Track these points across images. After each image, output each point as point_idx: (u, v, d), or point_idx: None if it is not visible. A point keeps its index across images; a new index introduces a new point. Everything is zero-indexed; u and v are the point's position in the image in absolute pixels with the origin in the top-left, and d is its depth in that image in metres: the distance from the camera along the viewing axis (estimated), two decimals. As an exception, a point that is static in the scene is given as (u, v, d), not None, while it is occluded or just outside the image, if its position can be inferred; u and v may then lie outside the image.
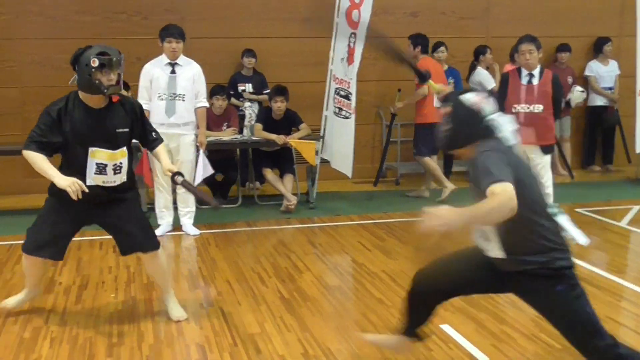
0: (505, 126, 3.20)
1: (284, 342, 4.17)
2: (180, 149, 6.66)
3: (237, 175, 8.13)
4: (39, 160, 4.14)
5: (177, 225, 6.88)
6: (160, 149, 4.56)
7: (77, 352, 4.05)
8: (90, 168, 4.21)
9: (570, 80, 9.47)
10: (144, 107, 6.55)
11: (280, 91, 7.81)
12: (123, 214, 4.37)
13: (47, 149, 4.17)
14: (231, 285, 5.23)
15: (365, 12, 7.36)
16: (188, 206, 6.85)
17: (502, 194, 2.84)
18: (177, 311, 4.56)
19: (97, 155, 4.20)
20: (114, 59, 4.14)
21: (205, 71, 8.23)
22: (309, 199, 8.04)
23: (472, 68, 9.23)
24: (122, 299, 4.96)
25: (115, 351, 4.06)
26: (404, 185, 9.16)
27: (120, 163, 4.28)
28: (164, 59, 6.64)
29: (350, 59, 7.61)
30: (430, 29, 9.38)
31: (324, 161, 8.14)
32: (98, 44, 4.32)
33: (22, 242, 4.41)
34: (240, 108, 8.54)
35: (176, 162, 6.65)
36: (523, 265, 3.12)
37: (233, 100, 8.53)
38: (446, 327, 4.34)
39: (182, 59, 6.67)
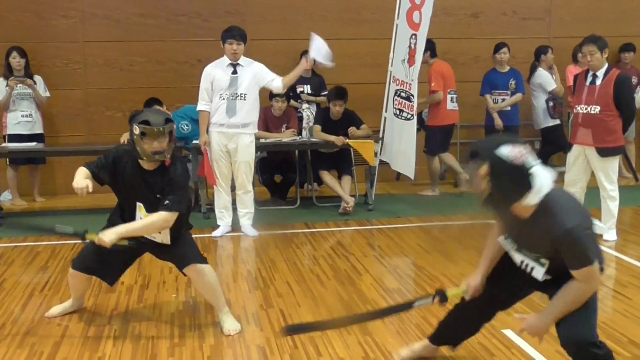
0: (546, 177, 3.05)
1: (345, 345, 4.13)
2: (239, 150, 6.67)
3: (295, 177, 8.14)
4: (79, 171, 4.19)
5: (236, 227, 6.91)
6: (154, 216, 4.18)
7: (140, 352, 4.09)
8: (137, 219, 4.25)
9: (635, 80, 9.21)
10: (204, 108, 6.67)
11: (340, 94, 7.77)
12: (173, 248, 4.37)
13: (97, 179, 4.23)
14: (291, 287, 5.22)
15: (426, 13, 7.28)
16: (247, 207, 6.87)
17: (595, 280, 3.12)
18: (229, 324, 4.40)
19: (141, 210, 4.23)
20: (156, 129, 4.08)
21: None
22: (367, 201, 8.00)
23: (533, 69, 9.06)
24: (183, 300, 5.00)
25: (177, 351, 4.09)
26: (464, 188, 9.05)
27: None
28: (225, 60, 6.66)
29: (411, 61, 7.53)
30: (491, 30, 9.28)
31: (383, 163, 8.09)
32: (150, 110, 4.32)
33: (73, 242, 4.46)
34: (299, 110, 8.55)
35: (234, 162, 6.68)
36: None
37: (292, 102, 8.54)
38: (508, 332, 4.25)
39: (243, 60, 6.68)
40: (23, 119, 8.19)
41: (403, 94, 7.70)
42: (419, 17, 7.40)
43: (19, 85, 8.08)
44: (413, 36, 7.52)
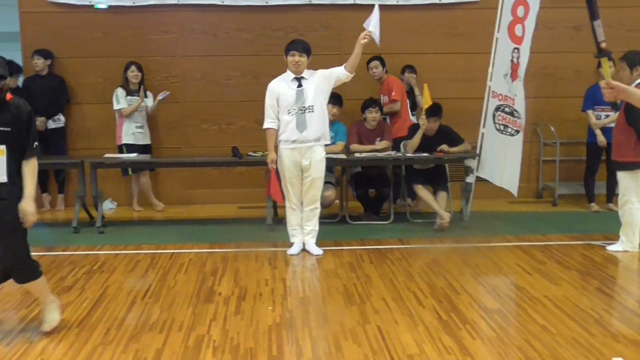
0: None
1: (445, 365, 4.04)
2: (312, 166, 6.54)
3: (389, 192, 8.07)
4: None
5: (323, 240, 6.88)
6: (31, 164, 4.36)
7: (239, 363, 4.11)
8: None
9: None
10: (270, 126, 6.53)
11: (435, 111, 7.67)
12: None
13: None
14: (387, 304, 5.15)
15: (529, 27, 7.13)
16: (312, 224, 6.73)
17: None
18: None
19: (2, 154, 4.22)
20: None
21: (358, 87, 8.30)
22: (462, 218, 7.85)
23: (641, 83, 8.72)
24: (280, 312, 5.00)
25: (276, 364, 4.09)
26: (562, 207, 8.80)
27: None
28: (289, 75, 6.55)
29: (513, 75, 7.37)
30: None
31: (479, 179, 7.93)
32: None
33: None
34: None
35: (305, 178, 6.59)
36: None
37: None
38: (619, 361, 4.08)
39: (306, 73, 6.55)
40: (136, 130, 8.61)
41: (507, 109, 7.54)
42: (521, 30, 7.25)
43: (136, 98, 8.54)
44: (515, 50, 7.36)
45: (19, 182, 4.31)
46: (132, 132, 8.57)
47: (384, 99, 8.47)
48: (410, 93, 8.75)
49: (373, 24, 6.50)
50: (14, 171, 4.29)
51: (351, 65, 6.53)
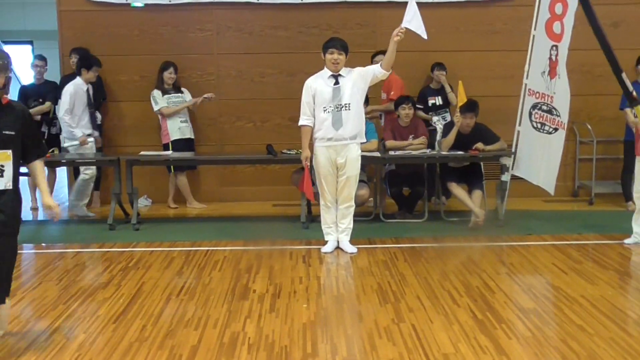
0: None
1: (481, 365, 4.02)
2: (347, 164, 6.52)
3: (424, 190, 8.03)
4: None
5: (357, 238, 6.87)
6: (39, 165, 4.39)
7: (274, 360, 4.13)
8: None
9: None
10: (306, 123, 6.54)
11: (471, 107, 7.62)
12: None
13: None
14: (422, 302, 5.13)
15: (568, 24, 7.04)
16: (347, 222, 6.71)
17: None
18: None
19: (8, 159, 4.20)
20: None
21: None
22: (497, 216, 7.79)
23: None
24: (314, 310, 5.00)
25: (310, 362, 4.10)
26: (599, 206, 8.69)
27: (2, 166, 4.18)
28: (326, 72, 6.53)
29: (552, 73, 7.29)
30: (633, 40, 8.85)
31: (515, 178, 7.86)
32: None
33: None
34: (431, 122, 8.47)
35: (341, 176, 6.58)
36: None
37: (421, 113, 8.47)
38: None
39: (344, 70, 6.52)
40: (182, 124, 8.72)
41: (544, 107, 7.46)
42: (560, 27, 7.17)
43: (173, 94, 8.68)
44: (554, 47, 7.27)
45: (16, 186, 4.30)
46: (178, 127, 8.66)
47: (383, 95, 8.48)
48: (441, 90, 8.69)
49: (407, 20, 6.46)
50: (16, 176, 4.30)
51: (387, 63, 6.50)
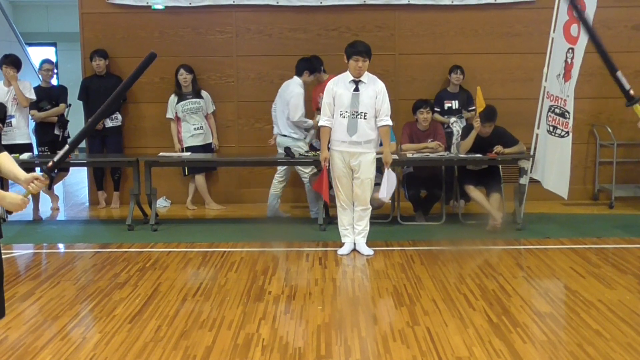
0: None
1: (494, 369, 4.00)
2: (361, 167, 6.52)
3: (441, 193, 8.00)
4: None
5: (373, 240, 6.87)
6: (4, 157, 3.69)
7: (288, 362, 4.14)
8: None
9: None
10: (325, 124, 6.58)
11: (489, 116, 7.51)
12: None
13: None
14: (437, 305, 5.12)
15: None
16: (363, 224, 6.71)
17: None
18: None
19: None
20: None
21: (412, 87, 8.25)
22: (515, 220, 7.74)
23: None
24: (329, 312, 5.01)
25: (323, 364, 4.10)
26: (619, 209, 8.61)
27: None
28: (348, 76, 6.53)
29: (567, 76, 7.25)
30: (654, 42, 8.78)
31: (533, 181, 7.81)
32: None
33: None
34: (447, 125, 8.45)
35: (356, 179, 6.57)
36: None
37: (438, 116, 8.45)
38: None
39: (366, 77, 6.53)
40: (195, 132, 8.74)
41: (557, 110, 7.41)
42: (577, 30, 7.12)
43: (190, 99, 8.71)
44: (570, 50, 7.23)
45: None
46: (190, 135, 8.70)
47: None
48: (458, 94, 8.67)
49: (384, 191, 6.63)
50: None
51: (382, 138, 6.63)
